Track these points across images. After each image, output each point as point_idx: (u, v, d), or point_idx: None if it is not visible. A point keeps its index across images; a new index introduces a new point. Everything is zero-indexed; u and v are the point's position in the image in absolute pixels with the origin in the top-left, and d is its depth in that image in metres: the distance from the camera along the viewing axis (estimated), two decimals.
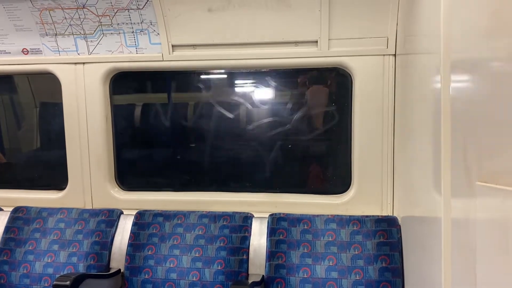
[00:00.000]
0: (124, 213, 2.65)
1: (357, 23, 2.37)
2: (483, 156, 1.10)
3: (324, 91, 2.78)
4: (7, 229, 2.62)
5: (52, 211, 2.66)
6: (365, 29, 2.38)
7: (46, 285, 2.44)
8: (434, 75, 1.55)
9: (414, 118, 1.99)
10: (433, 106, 1.56)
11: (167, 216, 2.54)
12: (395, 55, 2.39)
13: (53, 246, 2.53)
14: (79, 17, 2.54)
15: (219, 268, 2.35)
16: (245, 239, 2.41)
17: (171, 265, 2.39)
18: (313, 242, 2.34)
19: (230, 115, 2.97)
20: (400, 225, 2.32)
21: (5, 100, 3.28)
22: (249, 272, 2.37)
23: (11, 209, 2.71)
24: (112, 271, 2.45)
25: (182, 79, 3.07)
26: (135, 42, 2.58)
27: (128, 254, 2.46)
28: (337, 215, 2.42)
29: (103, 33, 2.58)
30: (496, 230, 1.01)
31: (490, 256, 1.05)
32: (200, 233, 2.46)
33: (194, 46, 2.54)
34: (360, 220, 2.36)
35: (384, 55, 2.40)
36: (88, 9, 2.50)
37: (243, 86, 3.01)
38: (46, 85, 3.02)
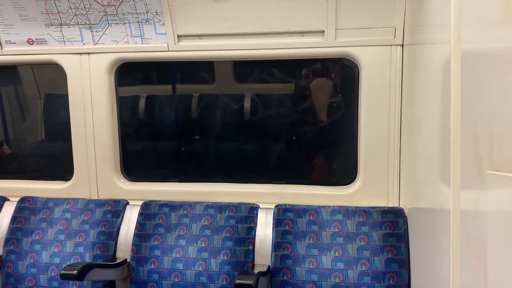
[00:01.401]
0: (130, 203, 2.65)
1: (364, 12, 2.35)
2: (495, 144, 1.09)
3: (330, 82, 2.77)
4: (14, 219, 2.63)
5: (58, 201, 2.67)
6: (372, 19, 2.36)
7: (52, 274, 2.46)
8: (443, 65, 1.53)
9: (421, 109, 1.98)
10: (442, 96, 1.54)
11: (173, 206, 2.54)
12: (402, 45, 2.36)
13: (60, 236, 2.55)
14: (84, 7, 2.53)
15: (225, 258, 2.36)
16: (251, 229, 2.41)
17: (177, 255, 2.40)
18: (319, 233, 2.34)
19: (235, 106, 2.96)
20: (406, 216, 2.32)
21: (10, 91, 3.28)
22: (255, 263, 2.38)
23: (17, 199, 2.72)
24: (118, 261, 2.46)
25: (188, 70, 3.06)
26: (140, 32, 2.56)
27: (134, 244, 2.47)
28: (343, 206, 2.41)
29: (108, 23, 2.57)
30: (508, 221, 1.01)
31: (502, 248, 1.04)
32: (206, 223, 2.46)
33: (199, 36, 2.53)
34: (366, 211, 2.36)
35: (391, 45, 2.38)
36: None
37: (249, 77, 3.01)
38: (52, 76, 3.02)
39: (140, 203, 2.60)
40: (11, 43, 2.70)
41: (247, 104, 2.96)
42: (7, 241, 2.58)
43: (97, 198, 2.78)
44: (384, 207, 2.39)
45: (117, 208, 2.59)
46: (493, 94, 1.13)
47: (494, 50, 1.15)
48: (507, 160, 1.03)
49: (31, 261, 2.50)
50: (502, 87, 1.08)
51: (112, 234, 2.51)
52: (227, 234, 2.41)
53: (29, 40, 2.69)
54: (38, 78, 3.21)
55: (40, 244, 2.54)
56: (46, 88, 3.24)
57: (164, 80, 3.16)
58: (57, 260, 2.49)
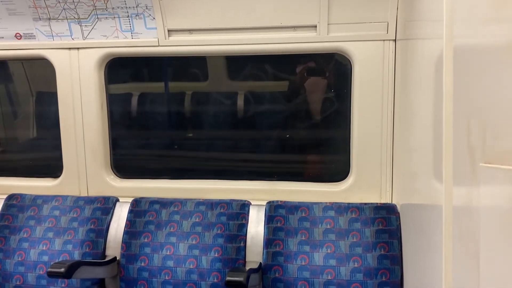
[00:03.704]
0: (120, 200, 2.61)
1: (357, 7, 2.33)
2: (487, 137, 1.07)
3: (323, 78, 2.75)
4: (1, 216, 2.59)
5: (47, 199, 2.63)
6: (365, 14, 2.34)
7: (41, 272, 2.42)
8: (436, 60, 1.52)
9: (414, 104, 1.96)
10: (434, 91, 1.53)
11: (163, 203, 2.51)
12: (395, 40, 2.35)
13: (48, 234, 2.50)
14: (73, 1, 2.49)
15: (216, 255, 2.33)
16: (243, 226, 2.39)
17: (168, 253, 2.37)
18: (311, 229, 2.32)
19: (229, 103, 2.94)
20: (399, 213, 2.31)
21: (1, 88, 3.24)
22: (247, 260, 2.35)
23: (5, 196, 2.67)
24: (107, 258, 2.42)
25: (180, 67, 3.04)
26: (130, 27, 2.53)
27: (124, 241, 2.44)
28: (336, 203, 2.39)
29: (97, 18, 2.53)
30: (501, 215, 0.99)
31: (495, 243, 1.02)
32: (197, 220, 2.43)
33: (190, 31, 2.50)
34: (358, 208, 2.34)
35: (384, 40, 2.36)
36: None
37: (241, 73, 2.98)
38: (41, 72, 2.98)
39: (130, 200, 2.56)
40: None
41: (240, 102, 2.94)
42: None
43: (86, 195, 2.74)
44: (377, 203, 2.37)
45: (106, 205, 2.55)
46: (485, 88, 1.12)
47: (486, 44, 1.14)
48: (499, 152, 1.01)
49: (19, 259, 2.46)
50: (494, 81, 1.06)
51: (101, 232, 2.48)
52: (218, 231, 2.39)
53: (17, 34, 2.64)
54: (28, 74, 3.18)
55: (28, 242, 2.50)
56: (37, 85, 3.20)
57: (155, 77, 3.13)
58: (45, 258, 2.45)
